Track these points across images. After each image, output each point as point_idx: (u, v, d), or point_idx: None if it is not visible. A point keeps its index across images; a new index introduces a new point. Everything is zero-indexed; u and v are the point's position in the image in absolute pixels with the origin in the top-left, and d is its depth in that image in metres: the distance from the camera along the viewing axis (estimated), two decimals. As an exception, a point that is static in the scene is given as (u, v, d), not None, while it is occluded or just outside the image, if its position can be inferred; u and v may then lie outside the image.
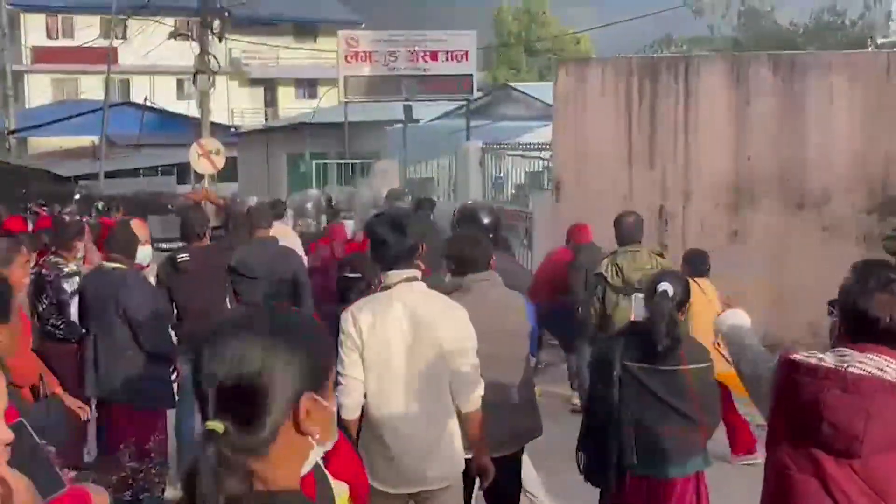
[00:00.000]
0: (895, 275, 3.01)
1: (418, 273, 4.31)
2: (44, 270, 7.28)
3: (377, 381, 4.16)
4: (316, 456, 1.84)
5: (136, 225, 7.01)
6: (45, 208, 21.75)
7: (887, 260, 2.99)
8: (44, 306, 7.14)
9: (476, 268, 4.83)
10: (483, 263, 4.86)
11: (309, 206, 16.33)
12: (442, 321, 4.18)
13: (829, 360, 2.94)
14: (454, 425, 4.24)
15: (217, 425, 1.65)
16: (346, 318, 4.24)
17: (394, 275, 4.26)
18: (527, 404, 4.95)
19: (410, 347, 4.15)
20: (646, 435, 4.25)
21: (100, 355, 6.31)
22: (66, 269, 7.26)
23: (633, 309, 5.21)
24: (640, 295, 5.25)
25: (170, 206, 17.15)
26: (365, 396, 4.17)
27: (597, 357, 4.64)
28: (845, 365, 2.89)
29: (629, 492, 4.31)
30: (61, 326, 7.10)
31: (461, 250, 4.90)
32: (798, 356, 3.01)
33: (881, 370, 2.87)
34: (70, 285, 7.15)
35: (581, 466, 4.54)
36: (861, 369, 2.87)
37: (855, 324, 2.97)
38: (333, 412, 1.83)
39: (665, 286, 4.34)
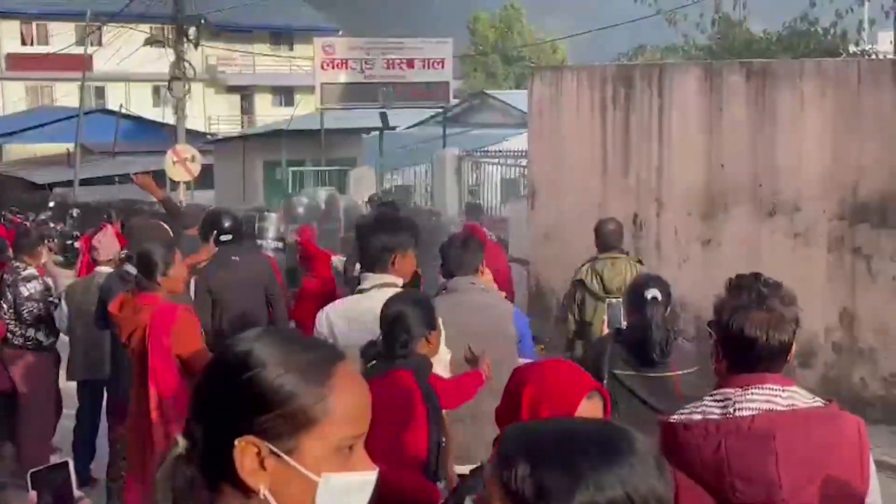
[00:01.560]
0: (767, 288, 2.65)
1: (397, 279, 4.27)
2: (4, 274, 7.36)
3: None
4: None
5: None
6: (19, 216, 21.61)
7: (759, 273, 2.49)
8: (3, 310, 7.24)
9: (463, 270, 4.89)
10: (470, 267, 4.93)
11: (301, 210, 16.31)
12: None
13: (714, 410, 2.60)
14: None
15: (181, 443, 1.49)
16: (321, 319, 4.24)
17: (371, 278, 4.26)
18: None
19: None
20: None
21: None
22: (24, 273, 7.31)
23: (608, 316, 5.17)
24: (615, 301, 5.27)
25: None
26: None
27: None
28: (733, 410, 2.56)
29: None
30: (18, 332, 7.18)
31: (448, 253, 4.97)
32: (676, 418, 2.65)
33: (770, 402, 2.57)
34: (28, 290, 7.19)
35: None
36: (751, 409, 2.55)
37: (732, 349, 2.63)
38: (310, 481, 1.45)
39: (654, 292, 4.30)
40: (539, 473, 1.38)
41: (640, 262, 7.75)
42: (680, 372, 4.30)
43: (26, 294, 7.18)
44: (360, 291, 4.30)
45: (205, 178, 26.16)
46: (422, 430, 3.60)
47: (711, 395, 2.65)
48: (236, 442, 1.40)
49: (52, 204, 27.93)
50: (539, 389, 2.39)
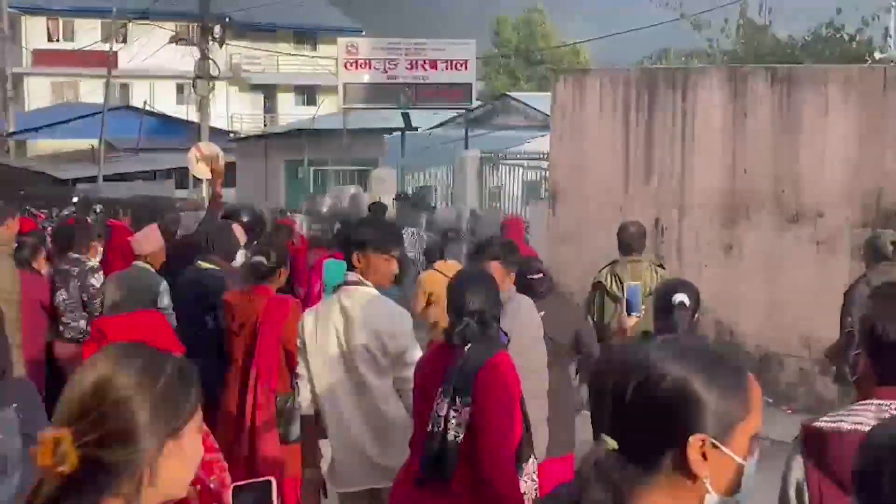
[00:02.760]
0: None
1: (358, 276, 4.30)
2: (64, 266, 7.30)
3: (319, 381, 4.30)
4: None
5: (236, 229, 7.06)
6: (43, 211, 21.76)
7: None
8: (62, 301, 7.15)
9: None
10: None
11: (324, 209, 16.34)
12: (380, 326, 4.19)
13: (866, 420, 2.47)
14: (394, 427, 4.20)
15: (610, 442, 1.73)
16: (301, 321, 4.44)
17: (347, 276, 4.38)
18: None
19: (344, 350, 4.23)
20: None
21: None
22: (89, 264, 7.33)
23: (627, 298, 5.19)
24: (633, 284, 5.28)
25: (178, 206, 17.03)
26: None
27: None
28: None
29: None
30: (72, 324, 7.13)
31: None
32: (825, 424, 2.53)
33: None
34: (97, 281, 7.21)
35: None
36: None
37: (885, 360, 2.52)
38: (737, 465, 1.75)
39: (681, 297, 4.35)
40: None
41: (661, 265, 7.72)
42: None
43: (97, 285, 7.18)
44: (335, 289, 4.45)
45: (226, 177, 26.25)
46: (519, 408, 3.69)
47: (863, 405, 2.55)
48: (691, 439, 1.70)
49: (75, 199, 28.07)
50: None
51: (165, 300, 6.78)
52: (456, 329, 3.65)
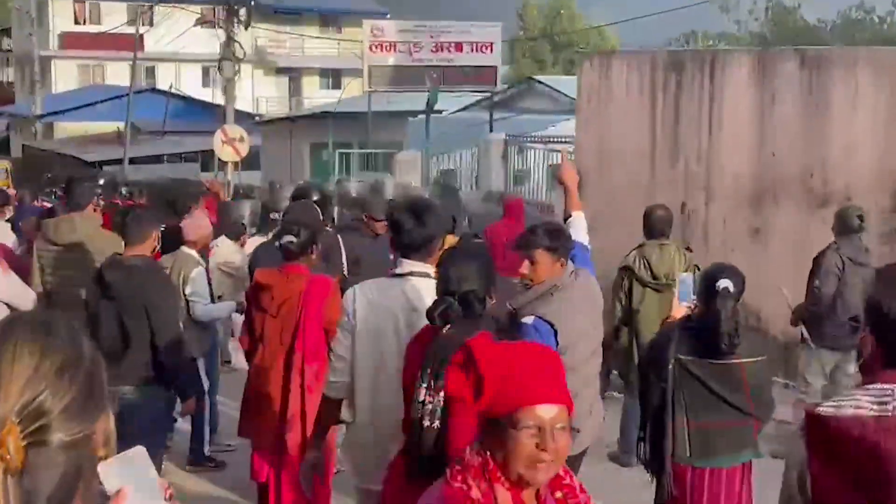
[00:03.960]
0: None
1: (430, 268, 4.03)
2: None
3: (362, 365, 4.01)
4: None
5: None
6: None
7: None
8: None
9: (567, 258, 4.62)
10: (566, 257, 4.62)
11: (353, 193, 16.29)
12: None
13: (868, 405, 2.40)
14: None
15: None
16: (349, 296, 4.09)
17: (405, 264, 4.08)
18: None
19: (402, 342, 3.89)
20: (701, 428, 4.35)
21: None
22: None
23: (678, 291, 5.10)
24: (685, 275, 5.22)
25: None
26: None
27: (650, 351, 4.68)
28: (892, 408, 2.36)
29: (684, 481, 4.43)
30: None
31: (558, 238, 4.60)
32: (825, 410, 2.46)
33: None
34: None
35: (641, 457, 4.71)
36: None
37: (891, 343, 2.44)
38: None
39: (726, 283, 4.37)
40: None
41: (688, 248, 7.68)
42: (747, 360, 4.38)
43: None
44: (395, 276, 4.12)
45: (252, 160, 26.33)
46: None
47: (865, 389, 2.44)
48: None
49: (101, 182, 28.23)
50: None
51: (189, 288, 6.82)
52: (437, 309, 3.47)
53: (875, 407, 2.36)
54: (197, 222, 7.28)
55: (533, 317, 4.42)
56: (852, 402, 2.41)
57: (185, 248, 7.02)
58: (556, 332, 4.39)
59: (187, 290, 6.80)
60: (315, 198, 7.83)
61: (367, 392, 4.01)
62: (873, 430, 2.32)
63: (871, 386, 2.43)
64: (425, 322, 3.76)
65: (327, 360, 4.84)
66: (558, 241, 4.54)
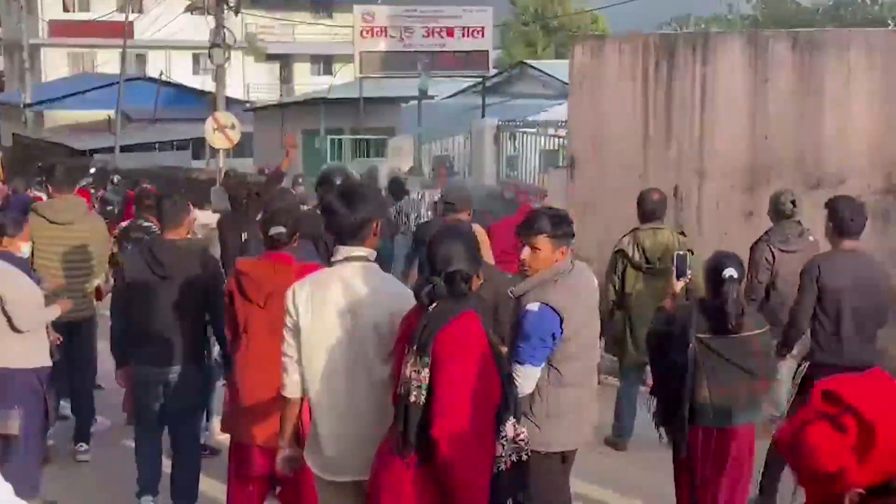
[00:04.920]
0: None
1: (369, 252, 4.00)
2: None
3: (310, 362, 3.96)
4: None
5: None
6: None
7: None
8: None
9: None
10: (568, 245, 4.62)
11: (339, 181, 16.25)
12: (387, 304, 3.84)
13: None
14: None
15: None
16: (288, 295, 4.04)
17: (341, 251, 4.00)
18: None
19: (347, 331, 3.88)
20: (721, 394, 4.82)
21: None
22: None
23: (675, 269, 5.39)
24: (681, 253, 5.53)
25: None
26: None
27: (670, 330, 5.00)
28: None
29: (702, 441, 4.86)
30: None
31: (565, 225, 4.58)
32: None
33: None
34: None
35: (651, 411, 5.15)
36: None
37: None
38: None
39: (730, 271, 4.87)
40: None
41: (682, 233, 7.68)
42: (757, 332, 4.94)
43: None
44: (331, 264, 4.04)
45: (243, 146, 26.25)
46: (494, 368, 3.55)
47: None
48: None
49: (92, 170, 28.15)
50: None
51: None
52: (424, 288, 3.52)
53: None
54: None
55: (538, 304, 4.41)
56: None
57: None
58: (562, 321, 4.41)
59: None
60: (338, 182, 7.57)
61: (320, 386, 3.95)
62: None
63: None
64: (366, 305, 3.83)
65: None
66: (560, 228, 4.52)
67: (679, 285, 5.34)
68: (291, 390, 4.05)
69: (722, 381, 4.83)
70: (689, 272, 5.35)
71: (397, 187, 12.41)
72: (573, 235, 4.63)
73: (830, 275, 5.84)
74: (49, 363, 6.11)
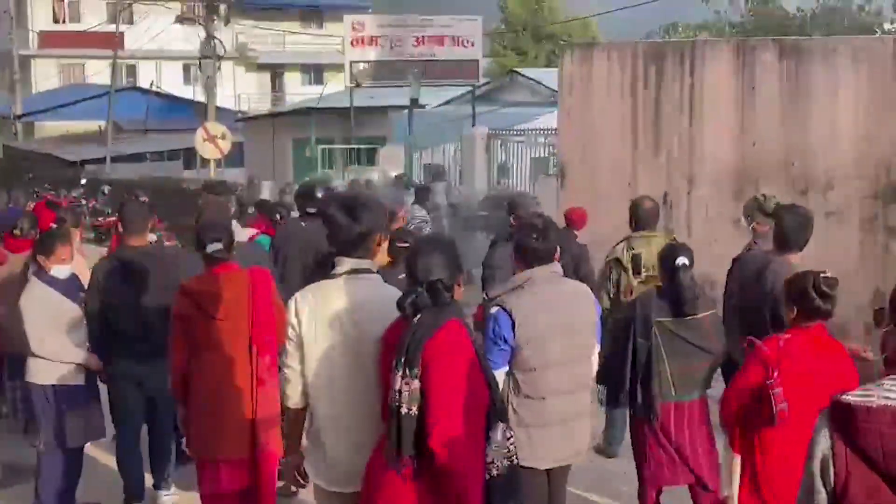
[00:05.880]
0: None
1: (371, 264, 4.01)
2: None
3: (314, 374, 3.94)
4: None
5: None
6: (51, 192, 21.82)
7: None
8: None
9: (541, 260, 4.59)
10: (548, 255, 4.62)
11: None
12: (390, 317, 3.74)
13: (894, 395, 2.44)
14: None
15: None
16: (290, 306, 4.01)
17: (344, 263, 3.98)
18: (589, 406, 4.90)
19: (351, 344, 3.87)
20: (682, 371, 5.27)
21: None
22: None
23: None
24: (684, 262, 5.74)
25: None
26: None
27: (633, 316, 5.40)
28: None
29: (674, 414, 5.30)
30: None
31: (526, 243, 4.62)
32: (854, 399, 2.46)
33: None
34: None
35: (601, 398, 5.77)
36: None
37: None
38: None
39: (682, 259, 5.29)
40: None
41: (674, 239, 7.71)
42: (707, 313, 5.35)
43: None
44: (333, 276, 4.00)
45: (235, 156, 26.26)
46: (481, 374, 3.58)
47: (892, 380, 2.45)
48: None
49: (83, 181, 28.17)
50: None
51: None
52: (407, 299, 3.53)
53: None
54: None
55: (497, 307, 4.50)
56: (882, 392, 2.42)
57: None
58: (513, 324, 4.43)
59: None
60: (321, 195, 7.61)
61: (323, 398, 3.95)
62: None
63: (893, 377, 2.47)
64: (371, 320, 3.82)
65: (278, 351, 4.93)
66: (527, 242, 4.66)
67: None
68: (294, 401, 4.04)
69: (680, 359, 5.27)
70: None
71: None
72: (553, 250, 4.66)
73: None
74: (76, 381, 6.17)
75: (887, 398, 2.38)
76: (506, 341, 4.46)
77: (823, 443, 2.46)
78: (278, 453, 5.08)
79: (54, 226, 8.01)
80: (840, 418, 2.43)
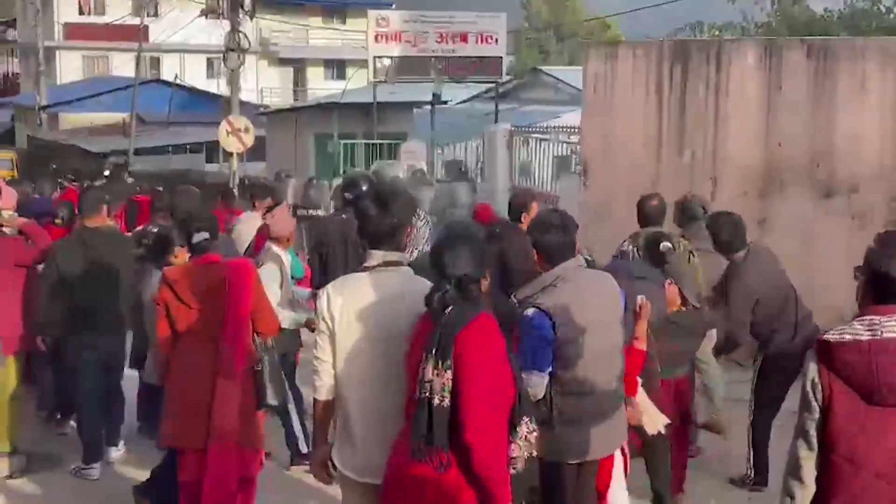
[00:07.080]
0: None
1: (403, 255, 4.06)
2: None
3: (346, 366, 3.96)
4: None
5: None
6: (75, 183, 21.94)
7: None
8: None
9: (566, 256, 4.48)
10: (572, 249, 4.53)
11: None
12: (422, 310, 3.74)
13: (862, 333, 3.29)
14: None
15: None
16: (322, 298, 4.02)
17: (375, 255, 4.02)
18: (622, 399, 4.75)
19: (382, 336, 3.89)
20: (670, 349, 5.69)
21: None
22: None
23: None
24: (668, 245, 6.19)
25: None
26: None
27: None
28: (880, 332, 3.27)
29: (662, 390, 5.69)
30: None
31: (547, 239, 4.50)
32: (832, 336, 3.34)
33: None
34: None
35: None
36: (894, 332, 3.28)
37: (878, 286, 3.37)
38: None
39: (666, 245, 5.94)
40: None
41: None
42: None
43: None
44: (365, 269, 4.03)
45: (257, 150, 26.32)
46: (509, 367, 3.60)
47: (859, 320, 3.33)
48: None
49: (107, 172, 28.29)
50: None
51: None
52: (435, 294, 3.57)
53: (866, 333, 3.28)
54: (282, 218, 6.98)
55: (533, 309, 4.36)
56: (852, 330, 3.31)
57: (273, 247, 6.73)
58: (554, 325, 4.32)
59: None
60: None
61: (356, 391, 3.96)
62: (867, 350, 3.26)
63: (864, 317, 3.33)
64: (403, 312, 3.82)
65: (246, 343, 5.21)
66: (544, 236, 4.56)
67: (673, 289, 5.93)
68: (324, 393, 4.05)
69: (670, 340, 5.71)
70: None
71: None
72: (570, 244, 4.57)
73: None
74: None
75: (856, 335, 3.29)
76: (548, 343, 4.34)
77: (812, 372, 3.37)
78: (247, 448, 5.32)
79: None
80: (822, 350, 3.35)
